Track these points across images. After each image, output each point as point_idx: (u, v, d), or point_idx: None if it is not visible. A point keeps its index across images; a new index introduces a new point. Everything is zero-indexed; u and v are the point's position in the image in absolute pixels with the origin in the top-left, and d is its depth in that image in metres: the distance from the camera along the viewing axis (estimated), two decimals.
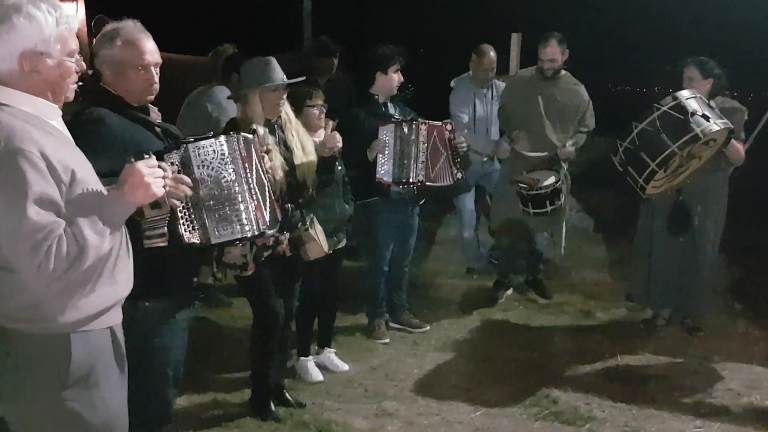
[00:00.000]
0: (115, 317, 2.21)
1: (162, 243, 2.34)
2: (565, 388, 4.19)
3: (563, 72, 5.24)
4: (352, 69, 6.53)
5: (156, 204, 2.17)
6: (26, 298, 1.98)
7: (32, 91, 2.03)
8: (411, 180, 4.49)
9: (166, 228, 2.32)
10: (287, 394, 3.96)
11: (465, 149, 4.62)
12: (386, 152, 4.44)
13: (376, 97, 4.66)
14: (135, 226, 2.24)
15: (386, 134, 4.45)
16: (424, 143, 4.46)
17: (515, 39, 6.84)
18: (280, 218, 2.87)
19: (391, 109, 4.70)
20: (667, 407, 3.98)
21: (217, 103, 4.98)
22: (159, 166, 2.15)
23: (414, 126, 4.47)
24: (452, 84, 5.97)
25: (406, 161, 4.46)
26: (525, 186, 4.95)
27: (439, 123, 4.59)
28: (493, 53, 5.81)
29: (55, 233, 1.92)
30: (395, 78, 4.63)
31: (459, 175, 4.58)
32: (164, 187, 2.15)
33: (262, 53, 6.34)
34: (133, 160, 2.10)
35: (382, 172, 4.45)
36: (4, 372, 2.07)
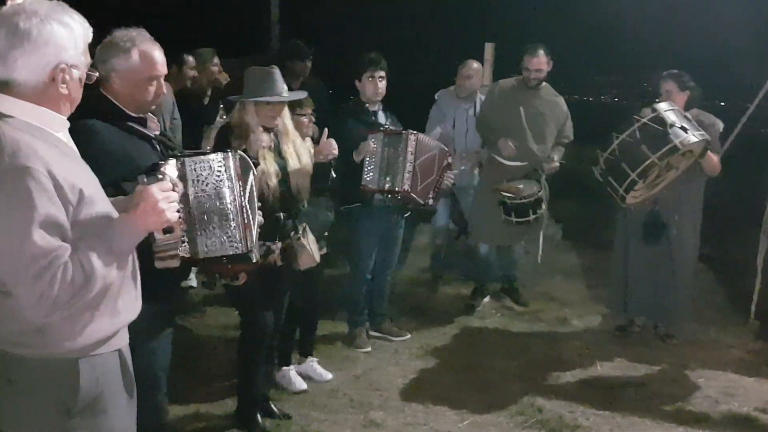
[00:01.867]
0: (123, 339, 2.12)
1: (174, 264, 2.26)
2: (548, 396, 4.23)
3: (544, 83, 5.29)
4: (323, 74, 6.49)
5: (168, 229, 2.08)
6: (27, 323, 1.86)
7: (49, 103, 1.92)
8: (396, 189, 4.46)
9: (179, 255, 2.25)
10: (273, 406, 3.89)
11: (450, 184, 4.75)
12: (373, 159, 4.42)
13: (366, 105, 4.64)
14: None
15: (374, 141, 4.43)
16: (412, 154, 4.44)
17: (488, 49, 6.86)
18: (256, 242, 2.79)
19: (382, 118, 4.69)
20: (649, 415, 4.05)
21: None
22: (170, 180, 2.08)
23: (403, 136, 4.45)
24: (436, 96, 5.90)
25: (392, 170, 4.44)
26: (509, 195, 4.98)
27: (445, 147, 4.68)
28: (476, 65, 5.79)
29: (61, 260, 1.80)
30: (368, 85, 4.61)
31: (430, 201, 4.64)
32: (178, 212, 2.08)
33: (230, 56, 6.28)
34: (146, 180, 2.02)
35: (368, 179, 4.43)
36: (7, 399, 1.95)
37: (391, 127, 4.58)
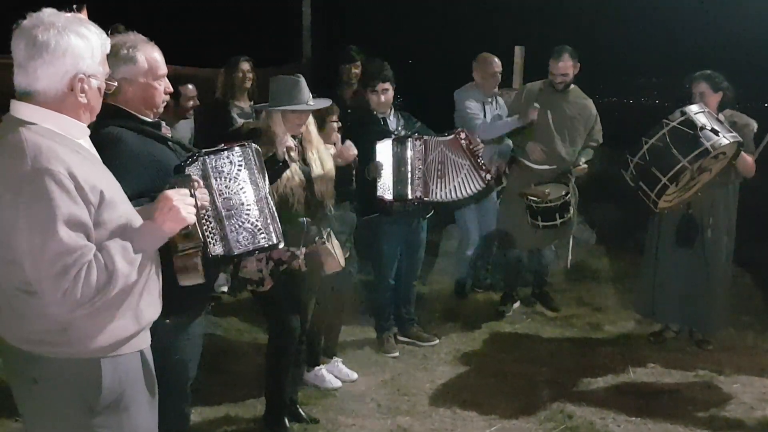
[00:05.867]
0: (145, 340, 2.17)
1: (199, 280, 2.27)
2: (578, 402, 4.18)
3: (572, 86, 5.25)
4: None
5: (188, 235, 2.13)
6: (52, 321, 1.93)
7: (69, 111, 1.99)
8: (409, 197, 4.45)
9: (200, 265, 2.25)
10: (301, 410, 3.92)
11: (482, 149, 4.60)
12: (385, 169, 4.40)
13: (375, 113, 4.67)
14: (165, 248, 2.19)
15: (384, 151, 4.42)
16: (419, 159, 4.42)
17: (518, 52, 6.85)
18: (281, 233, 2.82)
19: (392, 124, 4.68)
20: (681, 422, 3.98)
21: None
22: (191, 184, 2.13)
23: (409, 143, 4.42)
24: (457, 95, 5.64)
25: (403, 178, 4.43)
26: (535, 199, 4.94)
27: (451, 136, 4.52)
28: (497, 59, 5.62)
29: (86, 258, 1.86)
30: (373, 98, 4.63)
31: (488, 177, 4.52)
32: (196, 215, 2.12)
33: (261, 65, 6.35)
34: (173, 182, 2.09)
35: (382, 189, 4.42)
36: (31, 399, 2.02)
37: (401, 132, 4.55)
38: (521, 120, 5.09)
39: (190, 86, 5.17)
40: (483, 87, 5.60)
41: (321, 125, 4.00)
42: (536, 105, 5.01)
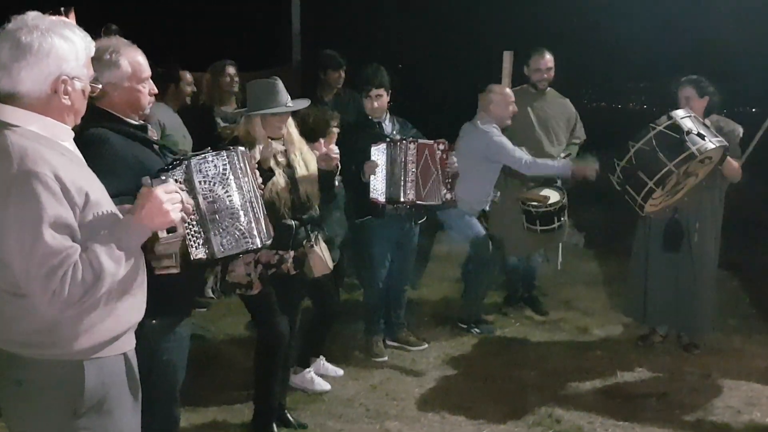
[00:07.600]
0: (129, 342, 2.17)
1: (174, 270, 2.31)
2: (566, 406, 4.18)
3: (548, 87, 5.32)
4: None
5: (171, 228, 2.13)
6: (38, 323, 1.93)
7: (53, 113, 1.99)
8: (402, 199, 4.50)
9: (177, 253, 2.28)
10: (289, 415, 3.91)
11: (456, 169, 4.59)
12: (379, 172, 4.45)
13: (370, 117, 4.69)
14: (146, 248, 2.19)
15: (378, 154, 4.46)
16: (412, 162, 4.48)
17: (507, 57, 6.85)
18: (272, 233, 2.84)
19: (387, 128, 4.70)
20: (669, 426, 3.99)
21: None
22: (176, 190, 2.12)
23: (404, 145, 4.47)
24: (485, 130, 5.03)
25: (397, 180, 4.48)
26: (534, 203, 4.95)
27: (431, 142, 4.58)
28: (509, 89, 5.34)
29: (72, 259, 1.87)
30: (366, 103, 4.66)
31: (448, 196, 4.56)
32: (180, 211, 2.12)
33: (250, 70, 6.36)
34: (150, 182, 2.07)
35: (375, 191, 4.46)
36: (15, 400, 2.02)
37: (396, 137, 4.59)
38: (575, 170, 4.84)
39: (188, 74, 5.31)
40: (500, 120, 5.08)
41: (323, 134, 4.03)
42: (595, 162, 4.83)
